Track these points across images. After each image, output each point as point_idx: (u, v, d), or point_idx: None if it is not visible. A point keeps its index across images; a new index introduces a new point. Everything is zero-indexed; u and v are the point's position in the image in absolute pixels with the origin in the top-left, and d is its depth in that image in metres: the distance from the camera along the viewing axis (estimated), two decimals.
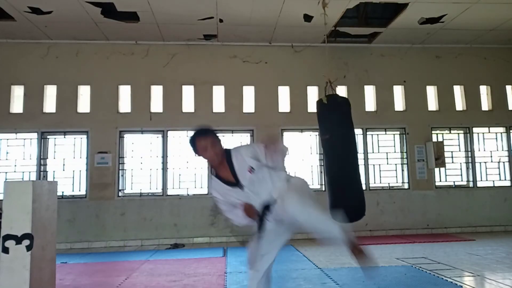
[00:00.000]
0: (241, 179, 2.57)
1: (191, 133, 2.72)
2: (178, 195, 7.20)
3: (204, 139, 2.62)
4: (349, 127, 4.34)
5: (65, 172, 7.12)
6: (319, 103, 4.38)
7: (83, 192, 7.05)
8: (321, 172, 7.46)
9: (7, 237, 3.02)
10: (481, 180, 7.77)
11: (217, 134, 2.70)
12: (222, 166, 2.63)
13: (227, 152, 2.66)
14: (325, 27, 6.86)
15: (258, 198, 2.57)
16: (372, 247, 6.06)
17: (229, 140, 7.41)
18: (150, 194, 7.18)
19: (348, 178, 4.07)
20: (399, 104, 7.83)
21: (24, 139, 7.11)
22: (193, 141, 2.66)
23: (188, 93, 7.38)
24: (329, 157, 4.22)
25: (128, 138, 7.33)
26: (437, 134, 7.83)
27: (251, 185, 2.57)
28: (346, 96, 7.47)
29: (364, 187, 7.44)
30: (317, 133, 7.55)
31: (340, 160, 4.06)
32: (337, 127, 4.14)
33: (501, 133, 7.96)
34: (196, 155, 2.68)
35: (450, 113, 7.82)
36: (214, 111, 7.38)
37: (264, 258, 2.58)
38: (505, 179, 7.84)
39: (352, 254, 2.55)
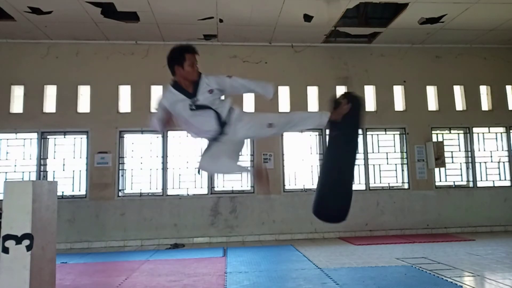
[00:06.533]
0: (199, 94, 3.01)
1: (178, 47, 3.07)
2: (178, 195, 7.20)
3: (195, 55, 3.05)
4: (357, 131, 4.12)
5: (65, 172, 7.12)
6: (334, 101, 4.12)
7: (83, 192, 7.05)
8: None
9: (7, 237, 3.02)
10: (481, 180, 7.77)
11: None
12: (190, 82, 3.03)
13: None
14: (326, 25, 6.89)
15: (204, 116, 3.02)
16: (372, 247, 6.07)
17: None
18: (150, 194, 7.18)
19: (343, 181, 3.91)
20: (399, 104, 7.83)
21: (24, 139, 7.11)
22: (181, 53, 3.03)
23: None
24: (330, 154, 4.00)
25: (128, 138, 7.33)
26: (437, 134, 7.83)
27: (205, 101, 3.01)
28: None
29: (364, 187, 7.49)
30: (317, 133, 7.55)
31: (340, 161, 3.91)
32: (347, 127, 3.89)
33: (501, 133, 7.96)
34: (176, 66, 3.04)
35: (450, 113, 7.82)
36: None
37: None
38: (505, 179, 7.84)
39: None
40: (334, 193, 3.73)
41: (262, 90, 3.25)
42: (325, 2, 5.87)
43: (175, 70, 3.06)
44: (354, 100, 3.88)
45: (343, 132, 3.71)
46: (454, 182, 7.77)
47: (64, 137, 7.18)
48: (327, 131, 4.01)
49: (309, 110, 7.51)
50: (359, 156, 7.52)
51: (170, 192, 7.20)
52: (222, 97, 3.20)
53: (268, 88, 3.26)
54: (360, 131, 4.10)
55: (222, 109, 3.07)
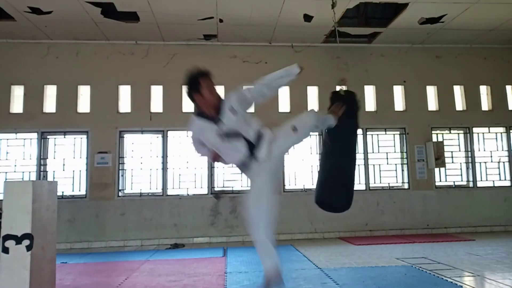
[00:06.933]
0: (224, 117, 2.93)
1: (192, 75, 3.00)
2: (178, 195, 7.20)
3: (211, 80, 2.98)
4: (357, 125, 4.07)
5: (65, 172, 7.12)
6: (335, 94, 4.07)
7: (83, 192, 7.05)
8: None
9: (7, 237, 3.02)
10: (481, 180, 7.76)
11: None
12: (212, 108, 2.95)
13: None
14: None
15: (233, 141, 2.93)
16: (372, 247, 6.07)
17: None
18: (150, 194, 7.18)
19: (344, 168, 3.82)
20: (399, 104, 7.83)
21: (24, 139, 7.11)
22: (196, 80, 2.95)
23: None
24: (330, 143, 3.89)
25: (128, 138, 7.33)
26: (437, 134, 7.83)
27: (230, 122, 2.92)
28: None
29: (364, 187, 7.49)
30: (316, 133, 7.54)
31: (340, 150, 3.81)
32: (348, 119, 3.85)
33: (501, 133, 7.96)
34: (195, 94, 2.94)
35: (450, 113, 7.82)
36: None
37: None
38: (505, 179, 7.84)
39: None
40: (336, 180, 3.68)
41: (286, 73, 3.09)
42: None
43: (195, 98, 2.97)
44: (349, 97, 3.89)
45: (342, 125, 3.70)
46: (454, 182, 7.77)
47: (64, 137, 7.18)
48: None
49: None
50: (359, 156, 7.52)
51: (170, 192, 7.20)
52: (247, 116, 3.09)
53: (291, 69, 3.10)
54: (358, 122, 4.01)
55: (248, 132, 2.96)
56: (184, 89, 3.02)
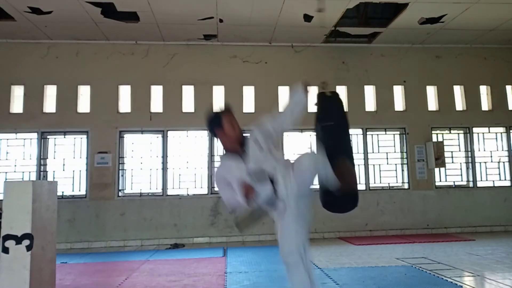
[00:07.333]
0: (248, 150, 2.78)
1: (212, 111, 2.90)
2: (178, 195, 7.20)
3: (232, 114, 2.85)
4: (347, 125, 4.10)
5: (65, 172, 7.12)
6: (321, 95, 4.12)
7: (83, 192, 7.05)
8: None
9: (7, 237, 3.02)
10: (481, 180, 7.76)
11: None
12: (236, 142, 2.80)
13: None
14: (324, 29, 6.89)
15: (261, 179, 2.72)
16: (372, 247, 6.07)
17: None
18: (150, 194, 7.18)
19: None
20: (399, 104, 7.83)
21: (24, 139, 7.11)
22: (216, 114, 2.84)
23: (188, 93, 7.38)
24: (324, 141, 3.91)
25: (128, 138, 7.33)
26: (437, 134, 7.83)
27: (255, 155, 2.76)
28: (346, 96, 7.51)
29: (364, 187, 7.48)
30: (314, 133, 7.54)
31: (344, 151, 3.82)
32: (340, 119, 3.90)
33: (501, 133, 7.96)
34: (216, 129, 2.82)
35: (450, 113, 7.82)
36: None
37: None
38: (505, 179, 7.83)
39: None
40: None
41: (296, 99, 2.99)
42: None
43: (217, 133, 2.85)
44: (335, 98, 3.93)
45: (339, 124, 3.72)
46: (454, 182, 7.77)
47: (64, 137, 7.18)
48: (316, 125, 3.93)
49: (308, 110, 7.50)
50: (359, 156, 7.51)
51: (170, 192, 7.20)
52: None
53: (296, 93, 2.98)
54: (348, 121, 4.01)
55: (274, 166, 2.77)
56: (206, 126, 2.92)
